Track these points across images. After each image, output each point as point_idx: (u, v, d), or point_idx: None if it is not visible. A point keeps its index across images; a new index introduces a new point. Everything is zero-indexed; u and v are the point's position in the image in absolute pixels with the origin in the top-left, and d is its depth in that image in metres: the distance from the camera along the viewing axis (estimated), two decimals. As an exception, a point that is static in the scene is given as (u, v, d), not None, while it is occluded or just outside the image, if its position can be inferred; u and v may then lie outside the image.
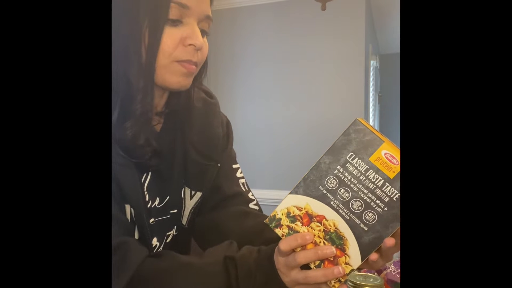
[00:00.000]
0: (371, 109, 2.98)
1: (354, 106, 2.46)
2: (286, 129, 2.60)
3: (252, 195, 0.76)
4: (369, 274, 0.68)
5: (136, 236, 0.61)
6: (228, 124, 0.77)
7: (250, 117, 2.69)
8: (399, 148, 0.49)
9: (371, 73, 2.94)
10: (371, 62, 2.92)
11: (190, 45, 0.56)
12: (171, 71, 0.57)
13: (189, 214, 0.70)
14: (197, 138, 0.68)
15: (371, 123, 2.98)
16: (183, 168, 0.67)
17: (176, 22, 0.55)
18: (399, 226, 0.47)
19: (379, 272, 0.81)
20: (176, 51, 0.56)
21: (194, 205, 0.69)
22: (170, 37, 0.55)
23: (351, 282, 0.65)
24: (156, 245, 0.65)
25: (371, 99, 2.95)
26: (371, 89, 2.92)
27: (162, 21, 0.54)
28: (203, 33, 0.60)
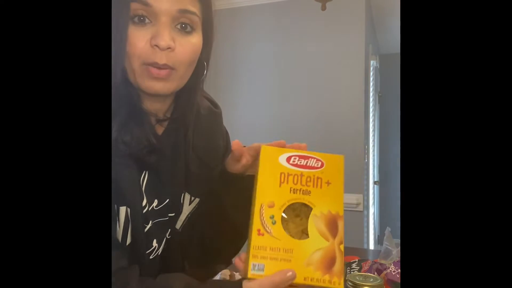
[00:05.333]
0: (371, 109, 2.98)
1: (354, 106, 2.46)
2: (285, 129, 2.60)
3: None
4: (369, 274, 0.68)
5: (129, 240, 0.60)
6: (227, 134, 0.79)
7: (249, 117, 2.69)
8: None
9: (371, 73, 2.94)
10: (371, 62, 2.92)
11: (155, 45, 0.53)
12: (141, 75, 0.55)
13: (185, 219, 0.70)
14: (200, 146, 0.69)
15: (371, 123, 2.97)
16: (184, 173, 0.67)
17: (142, 22, 0.53)
18: None
19: (379, 272, 0.81)
20: (143, 53, 0.54)
21: (192, 210, 0.70)
22: (136, 38, 0.53)
23: (351, 282, 0.65)
24: (155, 247, 0.64)
25: (371, 99, 2.95)
26: (371, 89, 2.92)
27: (124, 21, 0.51)
28: (182, 31, 0.56)
